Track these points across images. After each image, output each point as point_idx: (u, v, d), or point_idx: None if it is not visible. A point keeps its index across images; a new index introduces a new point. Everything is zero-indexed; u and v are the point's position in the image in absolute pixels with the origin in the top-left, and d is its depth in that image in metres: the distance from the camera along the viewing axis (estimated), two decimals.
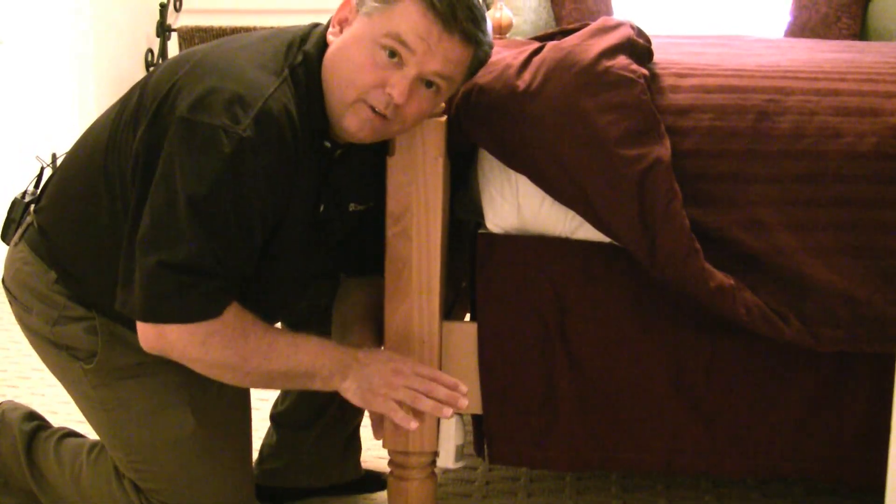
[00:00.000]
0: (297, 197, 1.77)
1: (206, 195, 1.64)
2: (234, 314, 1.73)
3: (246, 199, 1.67)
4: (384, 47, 1.68)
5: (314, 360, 1.78)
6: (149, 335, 1.72)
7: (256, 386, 1.86)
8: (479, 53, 1.73)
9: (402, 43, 1.67)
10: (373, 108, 1.70)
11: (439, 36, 1.67)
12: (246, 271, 1.74)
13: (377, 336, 1.93)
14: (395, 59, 1.68)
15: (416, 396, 1.78)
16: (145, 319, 1.71)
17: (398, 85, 1.68)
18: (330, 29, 1.77)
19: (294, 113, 1.71)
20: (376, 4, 1.70)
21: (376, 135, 1.75)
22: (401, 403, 1.79)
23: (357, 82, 1.70)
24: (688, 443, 1.89)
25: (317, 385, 1.80)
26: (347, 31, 1.73)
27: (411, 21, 1.67)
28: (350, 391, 1.79)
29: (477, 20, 1.70)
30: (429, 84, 1.71)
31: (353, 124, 1.72)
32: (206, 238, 1.66)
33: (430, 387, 1.78)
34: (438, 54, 1.68)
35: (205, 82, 1.68)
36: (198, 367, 1.76)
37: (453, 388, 1.79)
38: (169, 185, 1.66)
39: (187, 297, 1.68)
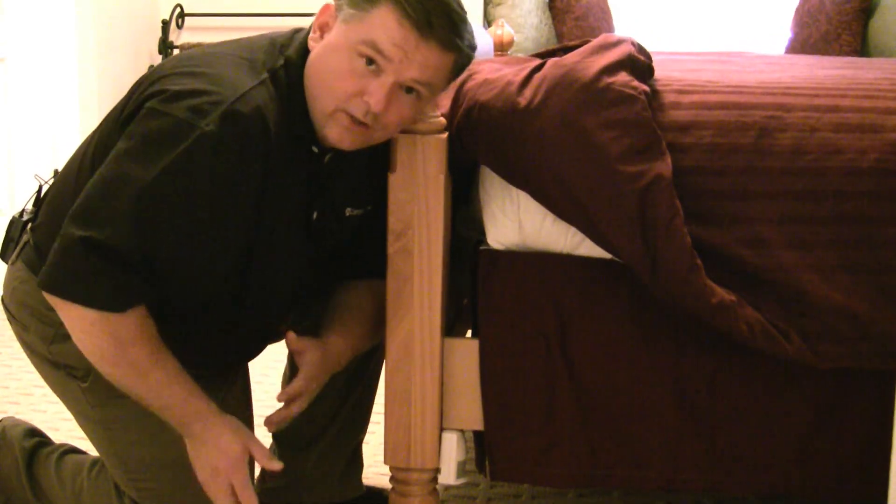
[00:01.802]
0: (282, 204, 1.77)
1: (150, 183, 1.64)
2: (136, 319, 1.71)
3: (194, 198, 1.66)
4: (361, 55, 1.68)
5: (168, 407, 1.77)
6: (46, 296, 1.72)
7: (114, 384, 1.82)
8: (459, 58, 1.73)
9: (379, 51, 1.67)
10: (352, 117, 1.70)
11: (416, 43, 1.67)
12: (176, 278, 1.73)
13: (349, 337, 1.93)
14: (373, 67, 1.68)
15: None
16: (46, 289, 1.70)
17: (376, 93, 1.68)
18: (311, 34, 1.77)
19: (269, 115, 1.70)
20: (353, 11, 1.70)
21: (358, 143, 1.75)
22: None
23: (336, 91, 1.70)
24: (689, 460, 1.89)
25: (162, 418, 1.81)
26: (327, 38, 1.73)
27: (387, 29, 1.67)
28: (187, 445, 1.81)
29: (455, 25, 1.69)
30: (409, 90, 1.71)
31: (334, 133, 1.72)
32: (138, 227, 1.65)
33: None
34: (416, 61, 1.68)
35: (179, 81, 1.70)
36: (73, 338, 1.75)
37: None
38: (119, 164, 1.66)
39: (96, 283, 1.67)
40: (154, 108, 1.67)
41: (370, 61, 1.68)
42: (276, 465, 1.83)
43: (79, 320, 1.71)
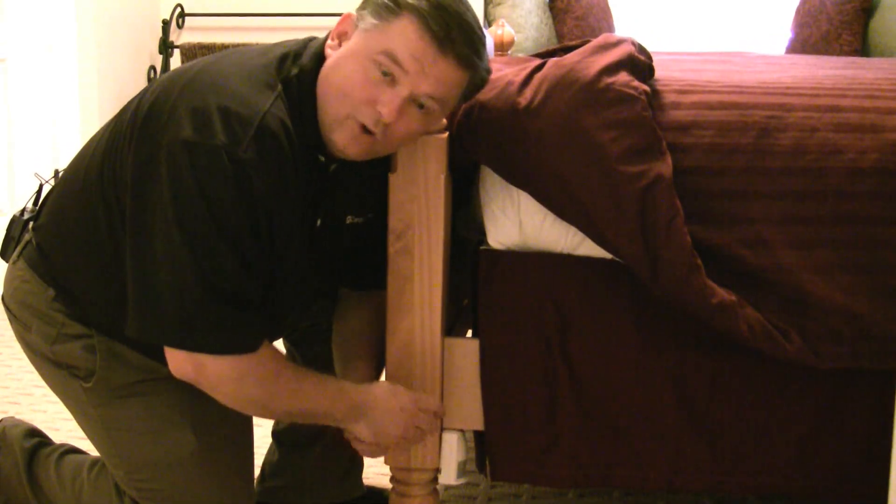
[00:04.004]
0: (296, 213, 1.77)
1: (223, 218, 1.64)
2: (268, 352, 1.75)
3: (258, 221, 1.67)
4: (378, 64, 1.68)
5: (332, 405, 1.83)
6: (182, 363, 1.71)
7: (272, 418, 1.87)
8: (474, 78, 1.73)
9: (396, 62, 1.67)
10: (361, 124, 1.70)
11: (434, 57, 1.67)
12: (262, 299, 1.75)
13: (378, 367, 1.95)
14: (388, 78, 1.68)
15: (424, 435, 1.89)
16: (182, 346, 1.69)
17: (389, 103, 1.68)
18: (329, 42, 1.77)
19: (290, 126, 1.70)
20: (374, 21, 1.69)
21: (363, 152, 1.74)
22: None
23: (349, 97, 1.70)
24: (690, 460, 1.89)
25: (328, 423, 1.88)
26: (345, 46, 1.73)
27: (406, 40, 1.67)
28: (364, 433, 1.86)
29: (473, 43, 1.69)
30: (420, 106, 1.71)
31: (341, 139, 1.72)
32: (239, 261, 1.66)
33: (435, 426, 1.90)
34: (432, 76, 1.68)
35: (199, 101, 1.67)
36: (225, 401, 1.77)
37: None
38: (188, 210, 1.64)
39: (230, 329, 1.68)
40: (187, 141, 1.64)
41: (386, 72, 1.68)
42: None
43: (227, 375, 1.72)
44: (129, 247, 1.71)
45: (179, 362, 1.71)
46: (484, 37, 1.72)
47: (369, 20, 1.70)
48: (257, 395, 1.76)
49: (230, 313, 1.67)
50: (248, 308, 1.69)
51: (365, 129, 1.70)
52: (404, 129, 1.72)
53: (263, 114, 1.67)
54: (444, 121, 1.87)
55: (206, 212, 1.63)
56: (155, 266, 1.67)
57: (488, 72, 1.76)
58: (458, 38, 1.67)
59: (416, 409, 1.85)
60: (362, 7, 1.74)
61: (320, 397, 1.82)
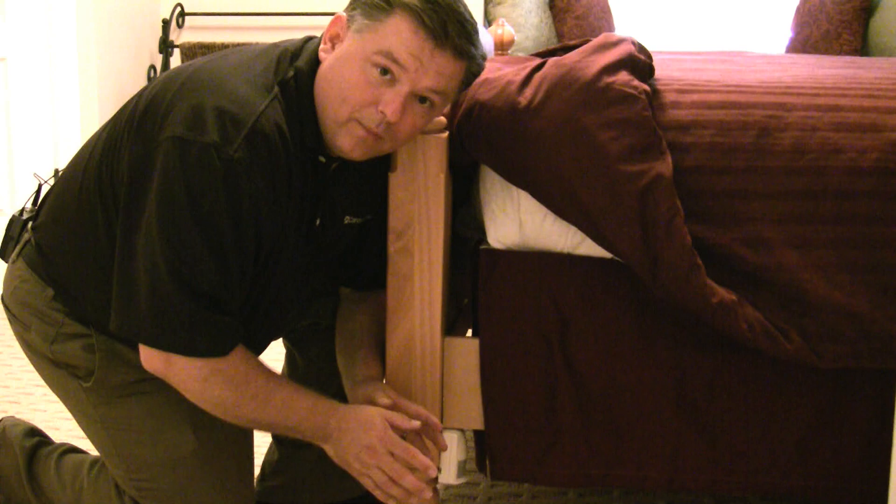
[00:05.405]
0: (293, 214, 1.77)
1: (205, 217, 1.64)
2: (240, 356, 1.74)
3: (243, 223, 1.67)
4: (376, 65, 1.68)
5: (300, 421, 1.80)
6: (153, 358, 1.73)
7: (240, 425, 1.86)
8: (472, 66, 1.73)
9: (394, 60, 1.67)
10: (366, 127, 1.70)
11: (431, 52, 1.67)
12: (241, 303, 1.75)
13: (382, 364, 1.94)
14: (388, 77, 1.68)
15: (386, 482, 1.79)
16: (153, 345, 1.71)
17: (392, 103, 1.67)
18: (321, 45, 1.76)
19: (285, 129, 1.70)
20: (367, 21, 1.69)
21: (370, 153, 1.74)
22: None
23: (350, 101, 1.69)
24: (690, 460, 1.89)
25: (297, 437, 1.84)
26: (339, 49, 1.73)
27: (402, 38, 1.66)
28: (330, 453, 1.83)
29: (468, 34, 1.69)
30: (422, 99, 1.71)
31: (347, 143, 1.72)
32: (216, 261, 1.66)
33: (400, 473, 1.78)
34: (431, 70, 1.68)
35: (196, 99, 1.68)
36: (192, 399, 1.77)
37: (425, 470, 1.79)
38: (171, 206, 1.65)
39: (200, 331, 1.68)
40: (180, 137, 1.65)
41: (385, 71, 1.68)
42: (415, 425, 1.82)
43: (195, 374, 1.72)
44: (118, 241, 1.72)
45: (149, 356, 1.73)
46: (476, 23, 1.72)
47: (361, 21, 1.70)
48: (222, 398, 1.76)
49: (202, 314, 1.68)
50: (223, 310, 1.69)
51: (369, 131, 1.70)
52: (409, 125, 1.73)
53: (258, 115, 1.67)
54: (444, 120, 1.87)
55: (189, 208, 1.64)
56: (134, 260, 1.69)
57: (484, 58, 1.76)
58: (453, 30, 1.67)
59: (384, 451, 1.78)
60: (351, 8, 1.73)
61: (288, 411, 1.80)
